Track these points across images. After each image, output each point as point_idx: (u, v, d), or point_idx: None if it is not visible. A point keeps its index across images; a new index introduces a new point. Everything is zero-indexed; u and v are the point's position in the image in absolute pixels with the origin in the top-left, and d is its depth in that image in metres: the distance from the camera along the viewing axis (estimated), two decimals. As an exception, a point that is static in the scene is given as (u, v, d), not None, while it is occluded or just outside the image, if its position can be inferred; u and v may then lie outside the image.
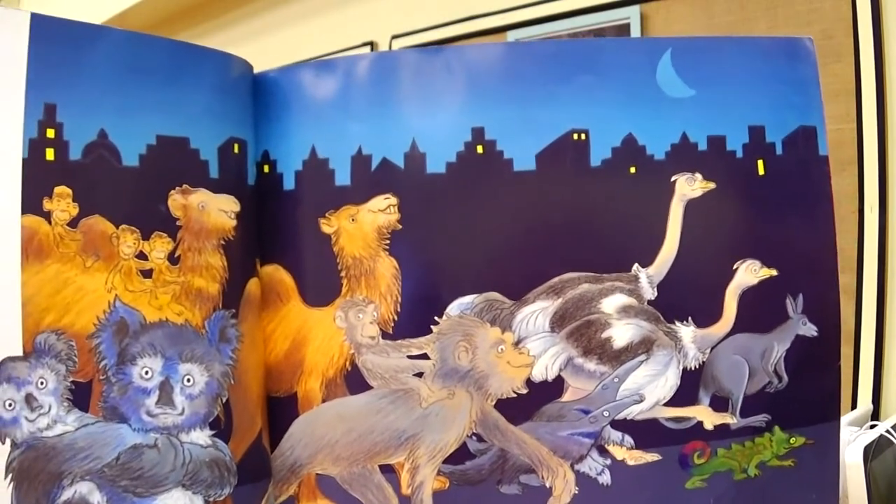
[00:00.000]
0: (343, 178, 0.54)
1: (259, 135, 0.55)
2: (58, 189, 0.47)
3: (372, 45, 1.78)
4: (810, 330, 0.56)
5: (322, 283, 0.54)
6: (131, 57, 0.49)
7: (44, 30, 0.47)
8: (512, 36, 1.60)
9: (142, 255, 0.49)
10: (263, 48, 1.92)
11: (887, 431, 1.01)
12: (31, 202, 0.46)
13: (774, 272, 0.55)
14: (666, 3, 1.46)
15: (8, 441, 0.45)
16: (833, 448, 0.58)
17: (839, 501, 0.57)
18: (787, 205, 0.56)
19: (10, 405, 0.45)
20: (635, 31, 1.47)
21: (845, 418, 1.12)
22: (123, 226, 0.48)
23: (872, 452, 0.96)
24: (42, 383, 0.46)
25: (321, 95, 0.54)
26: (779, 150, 0.56)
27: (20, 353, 0.45)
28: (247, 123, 0.54)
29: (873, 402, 1.22)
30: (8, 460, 0.45)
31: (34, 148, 0.46)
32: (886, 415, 1.20)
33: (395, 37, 1.74)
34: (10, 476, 0.45)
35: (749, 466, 0.56)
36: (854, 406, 1.23)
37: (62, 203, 0.47)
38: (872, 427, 1.05)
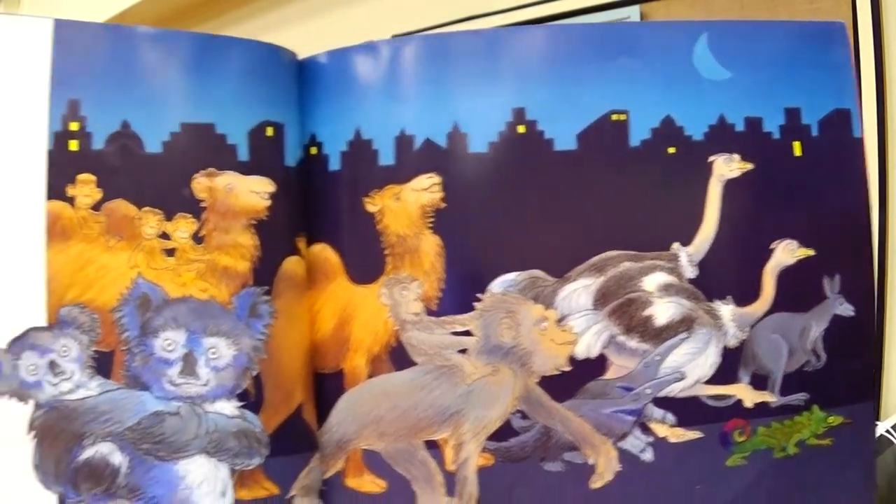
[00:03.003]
0: (387, 158, 0.54)
1: (305, 118, 0.56)
2: (81, 176, 0.50)
3: (373, 46, 1.79)
4: (847, 310, 0.56)
5: (367, 261, 0.54)
6: (155, 53, 0.51)
7: (66, 34, 0.50)
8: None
9: (165, 236, 0.51)
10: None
11: (887, 431, 1.01)
12: (56, 189, 0.49)
13: (812, 252, 0.56)
14: (666, 2, 1.47)
15: (31, 402, 0.49)
16: (869, 428, 0.58)
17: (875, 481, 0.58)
18: (823, 186, 0.57)
19: (33, 370, 0.49)
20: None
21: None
22: (146, 208, 0.50)
23: (872, 452, 0.96)
24: (65, 351, 0.49)
25: (365, 78, 0.55)
26: (815, 132, 0.56)
27: (44, 324, 0.49)
28: (286, 107, 0.55)
29: (873, 402, 1.22)
30: (31, 419, 0.49)
31: (58, 140, 0.50)
32: (886, 415, 1.20)
33: (395, 37, 1.75)
34: (33, 433, 0.49)
35: (788, 444, 0.56)
36: (854, 406, 1.23)
37: (85, 188, 0.50)
38: (872, 427, 1.04)
